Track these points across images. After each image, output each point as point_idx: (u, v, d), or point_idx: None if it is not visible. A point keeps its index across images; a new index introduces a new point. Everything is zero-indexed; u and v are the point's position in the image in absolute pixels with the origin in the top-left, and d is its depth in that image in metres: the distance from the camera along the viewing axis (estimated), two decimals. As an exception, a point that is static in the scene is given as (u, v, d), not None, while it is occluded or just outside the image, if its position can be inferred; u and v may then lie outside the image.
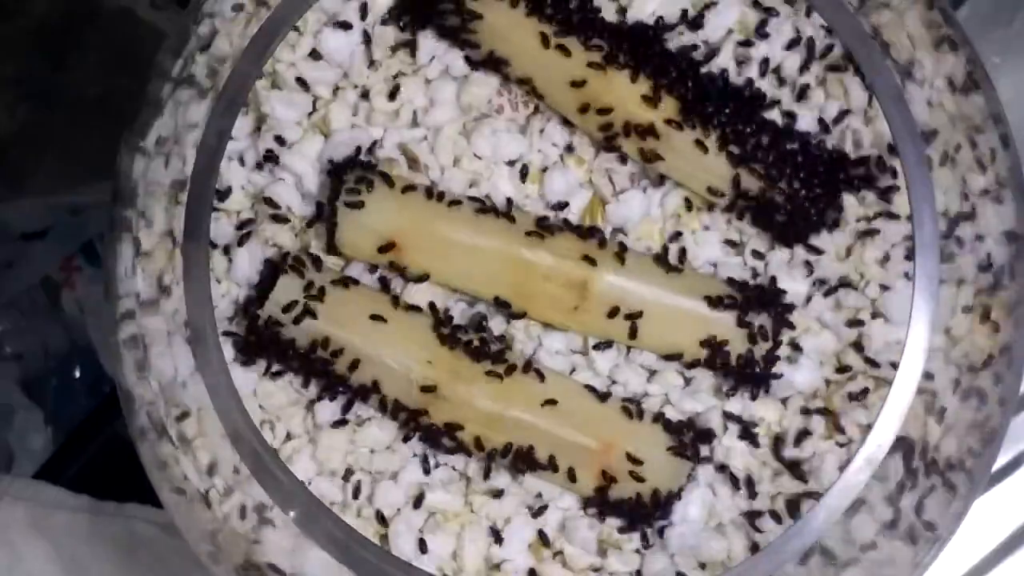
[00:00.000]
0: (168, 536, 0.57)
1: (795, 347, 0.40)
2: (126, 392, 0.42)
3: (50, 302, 0.70)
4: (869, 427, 0.40)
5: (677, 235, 0.41)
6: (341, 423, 0.41)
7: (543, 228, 0.40)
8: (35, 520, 0.57)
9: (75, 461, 0.63)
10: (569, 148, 0.42)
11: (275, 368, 0.41)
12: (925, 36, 0.42)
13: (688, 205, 0.41)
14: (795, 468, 0.41)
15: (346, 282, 0.41)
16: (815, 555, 0.40)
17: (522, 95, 0.42)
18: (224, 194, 0.42)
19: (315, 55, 0.42)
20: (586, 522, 0.41)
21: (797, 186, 0.40)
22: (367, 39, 0.42)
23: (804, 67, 0.41)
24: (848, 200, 0.41)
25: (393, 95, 0.42)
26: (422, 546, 0.41)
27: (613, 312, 0.40)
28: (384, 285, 0.41)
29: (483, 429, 0.40)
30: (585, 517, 0.41)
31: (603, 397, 0.40)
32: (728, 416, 0.41)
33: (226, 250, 0.42)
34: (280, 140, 0.42)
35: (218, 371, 0.41)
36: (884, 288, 0.41)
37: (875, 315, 0.41)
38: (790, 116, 0.41)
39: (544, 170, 0.42)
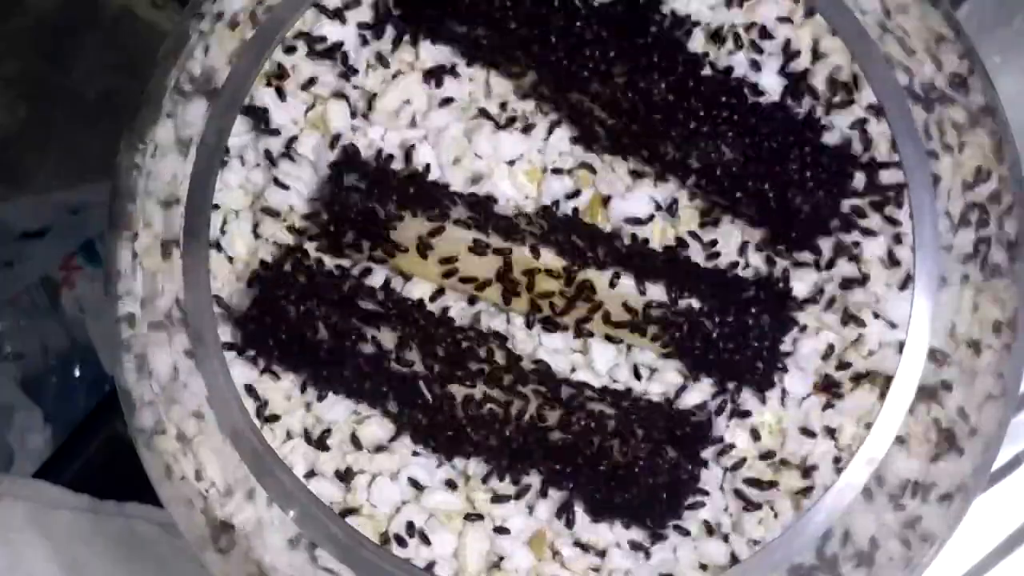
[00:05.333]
0: (168, 536, 0.57)
1: (796, 347, 0.41)
2: (126, 392, 0.42)
3: (50, 301, 0.70)
4: (869, 427, 0.40)
5: (678, 234, 0.41)
6: (342, 421, 0.41)
7: (544, 227, 0.40)
8: (35, 520, 0.57)
9: (75, 461, 0.63)
10: (570, 148, 0.42)
11: (275, 366, 0.41)
12: (925, 35, 0.42)
13: (688, 208, 0.41)
14: (795, 467, 0.41)
15: (346, 279, 0.41)
16: (815, 554, 0.40)
17: (532, 107, 0.42)
18: (223, 193, 0.42)
19: (314, 54, 0.42)
20: (587, 522, 0.41)
21: (799, 186, 0.40)
22: (367, 39, 0.42)
23: (808, 68, 0.41)
24: (849, 200, 0.41)
25: (392, 95, 0.42)
26: (422, 545, 0.41)
27: (614, 310, 0.40)
28: (385, 283, 0.41)
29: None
30: (586, 517, 0.41)
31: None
32: (728, 415, 0.41)
33: (225, 249, 0.42)
34: (279, 139, 0.42)
35: (218, 370, 0.41)
36: (884, 288, 0.41)
37: (875, 315, 0.41)
38: (792, 115, 0.41)
39: (544, 170, 0.42)
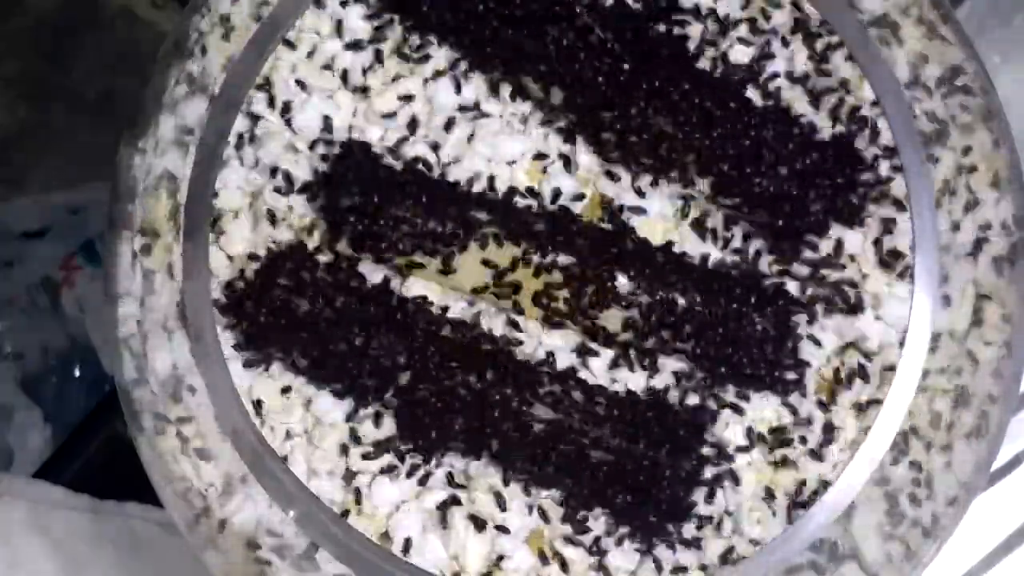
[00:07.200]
0: (168, 535, 0.57)
1: (796, 346, 0.41)
2: (126, 391, 0.42)
3: (50, 301, 0.70)
4: (869, 426, 0.40)
5: (678, 234, 0.41)
6: (341, 421, 0.41)
7: (543, 227, 0.40)
8: (35, 519, 0.57)
9: (75, 461, 0.63)
10: (570, 148, 0.42)
11: (275, 359, 0.41)
12: (925, 35, 0.42)
13: (687, 207, 0.41)
14: (795, 466, 0.41)
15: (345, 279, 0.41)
16: (815, 554, 0.40)
17: (532, 106, 0.42)
18: (223, 193, 0.42)
19: (314, 55, 0.42)
20: (586, 521, 0.41)
21: (799, 186, 0.40)
22: (366, 39, 0.42)
23: (809, 67, 0.41)
24: (849, 200, 0.41)
25: (391, 95, 0.42)
26: (422, 545, 0.41)
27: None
28: (385, 283, 0.41)
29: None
30: (586, 516, 0.41)
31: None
32: (728, 414, 0.41)
33: (225, 248, 0.42)
34: (279, 139, 0.42)
35: (218, 370, 0.41)
36: (885, 287, 0.41)
37: (876, 315, 0.41)
38: (792, 114, 0.41)
39: (545, 170, 0.42)
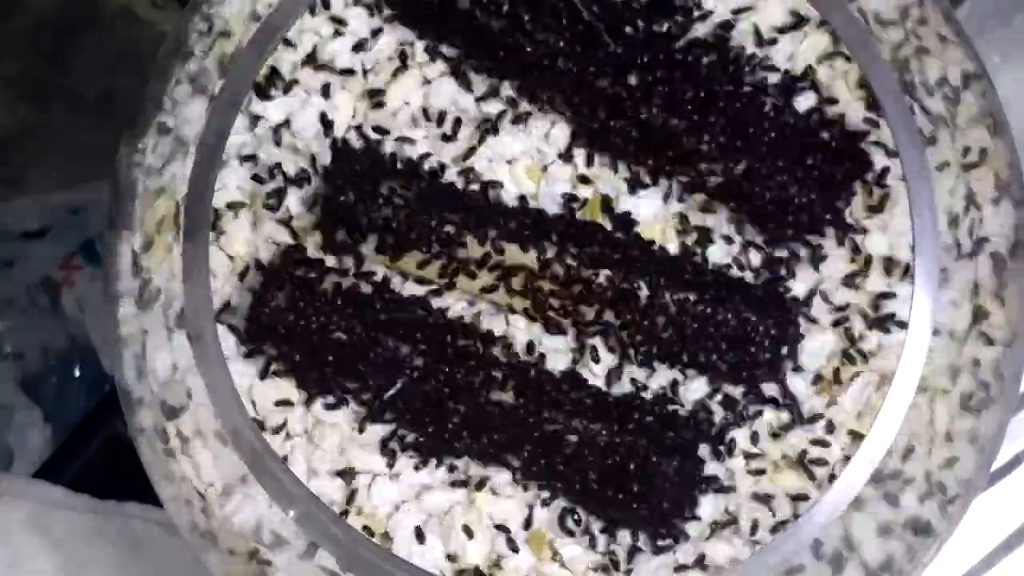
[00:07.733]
0: (168, 536, 0.57)
1: (796, 346, 0.41)
2: (125, 391, 0.42)
3: (50, 301, 0.70)
4: (869, 427, 0.40)
5: (679, 234, 0.41)
6: (341, 421, 0.41)
7: (544, 226, 0.40)
8: (35, 520, 0.57)
9: (75, 461, 0.63)
10: (570, 146, 0.42)
11: (275, 367, 0.41)
12: (925, 35, 0.42)
13: (688, 207, 0.41)
14: (794, 467, 0.41)
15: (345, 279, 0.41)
16: (815, 554, 0.40)
17: (532, 106, 0.42)
18: (223, 193, 0.42)
19: (314, 55, 0.42)
20: (587, 521, 0.41)
21: (799, 186, 0.40)
22: (366, 39, 0.42)
23: (809, 66, 0.41)
24: (849, 199, 0.41)
25: (391, 95, 0.42)
26: (422, 545, 0.41)
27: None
28: (385, 283, 0.41)
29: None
30: (586, 516, 0.41)
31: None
32: (727, 415, 0.41)
33: (225, 248, 0.42)
34: (278, 139, 0.42)
35: (218, 370, 0.41)
36: (884, 287, 0.41)
37: (875, 315, 0.41)
38: (792, 114, 0.41)
39: (545, 168, 0.42)
